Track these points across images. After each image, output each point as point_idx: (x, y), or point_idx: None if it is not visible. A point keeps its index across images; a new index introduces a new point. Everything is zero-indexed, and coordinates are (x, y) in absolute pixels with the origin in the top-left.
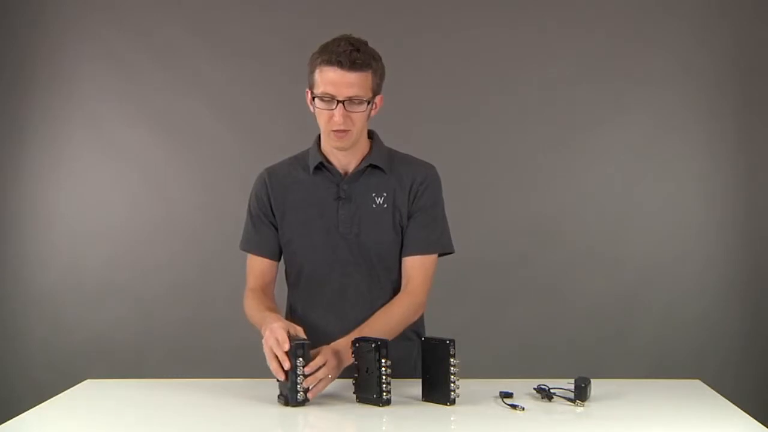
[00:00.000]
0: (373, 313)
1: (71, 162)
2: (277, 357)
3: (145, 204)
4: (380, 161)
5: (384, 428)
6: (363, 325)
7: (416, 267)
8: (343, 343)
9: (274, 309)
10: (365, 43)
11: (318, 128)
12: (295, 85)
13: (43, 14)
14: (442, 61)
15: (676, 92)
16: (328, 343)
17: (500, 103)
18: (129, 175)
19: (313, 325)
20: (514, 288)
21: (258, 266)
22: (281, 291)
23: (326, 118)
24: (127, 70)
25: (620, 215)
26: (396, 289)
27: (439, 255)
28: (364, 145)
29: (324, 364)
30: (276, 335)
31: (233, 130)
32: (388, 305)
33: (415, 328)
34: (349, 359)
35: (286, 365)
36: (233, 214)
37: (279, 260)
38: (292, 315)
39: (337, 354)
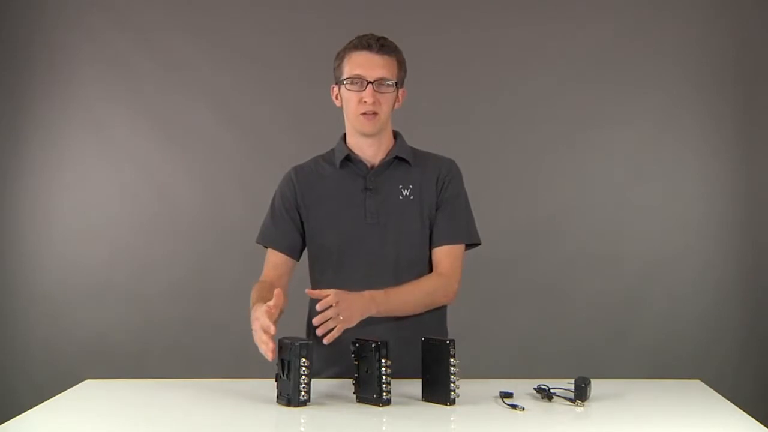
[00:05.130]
0: None
1: (71, 162)
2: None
3: (145, 204)
4: (405, 154)
5: (384, 428)
6: (389, 290)
7: (444, 255)
8: (367, 294)
9: (269, 298)
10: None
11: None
12: (296, 87)
13: (44, 15)
14: (441, 62)
15: (676, 92)
16: (351, 337)
17: (499, 103)
18: (129, 176)
19: None
20: (514, 288)
21: (273, 259)
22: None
23: (356, 101)
24: (126, 71)
25: (620, 215)
26: None
27: (468, 248)
28: (389, 139)
29: (333, 306)
30: (260, 321)
31: (232, 131)
32: (416, 280)
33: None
34: (366, 310)
35: (271, 345)
36: (233, 214)
37: (296, 258)
38: (315, 313)
39: (349, 297)
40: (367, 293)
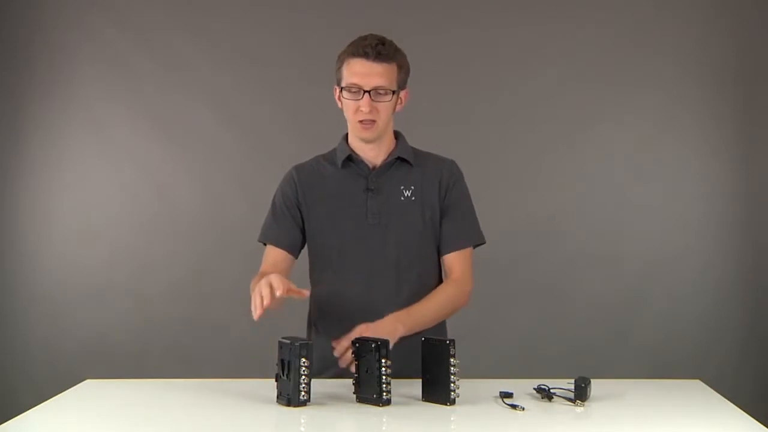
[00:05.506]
0: (398, 306)
1: (71, 162)
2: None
3: (145, 204)
4: (407, 155)
5: (384, 428)
6: (409, 308)
7: (455, 260)
8: (390, 318)
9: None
10: (391, 41)
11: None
12: (296, 87)
13: (44, 15)
14: (441, 62)
15: (676, 92)
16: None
17: (499, 103)
18: (129, 176)
19: (339, 318)
20: (514, 288)
21: (272, 255)
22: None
23: (353, 109)
24: (126, 71)
25: (620, 215)
26: (421, 284)
27: (473, 247)
28: (390, 141)
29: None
30: (271, 281)
31: (232, 131)
32: (432, 292)
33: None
34: (394, 333)
35: (267, 301)
36: (233, 214)
37: (295, 256)
38: (315, 314)
39: (374, 327)
40: (390, 317)
